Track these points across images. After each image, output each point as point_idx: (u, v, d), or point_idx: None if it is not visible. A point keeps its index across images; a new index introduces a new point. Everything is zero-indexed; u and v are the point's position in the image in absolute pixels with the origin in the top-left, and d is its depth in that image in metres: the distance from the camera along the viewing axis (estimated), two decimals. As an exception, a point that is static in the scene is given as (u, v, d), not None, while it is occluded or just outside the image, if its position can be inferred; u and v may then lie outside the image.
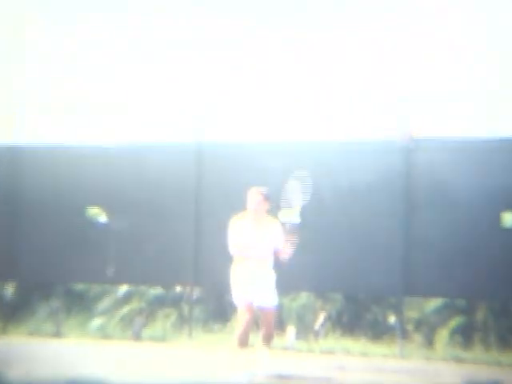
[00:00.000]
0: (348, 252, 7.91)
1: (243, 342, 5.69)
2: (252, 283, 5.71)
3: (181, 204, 8.35)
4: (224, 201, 7.93)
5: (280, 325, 8.12)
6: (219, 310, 8.91)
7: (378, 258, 7.81)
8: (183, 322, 8.84)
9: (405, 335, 8.08)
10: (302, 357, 7.73)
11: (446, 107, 8.70)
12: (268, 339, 5.96)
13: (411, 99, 8.15)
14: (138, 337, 8.59)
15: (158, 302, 9.18)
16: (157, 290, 9.34)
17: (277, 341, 7.21)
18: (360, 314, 8.74)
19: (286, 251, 5.82)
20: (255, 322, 6.05)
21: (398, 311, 8.23)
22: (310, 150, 8.07)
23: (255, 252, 5.72)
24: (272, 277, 5.90)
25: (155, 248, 8.40)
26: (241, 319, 5.69)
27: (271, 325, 5.92)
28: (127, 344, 8.37)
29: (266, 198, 5.82)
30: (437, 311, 8.50)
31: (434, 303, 8.55)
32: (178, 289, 9.24)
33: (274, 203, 5.95)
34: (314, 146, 8.14)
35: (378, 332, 8.49)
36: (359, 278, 7.90)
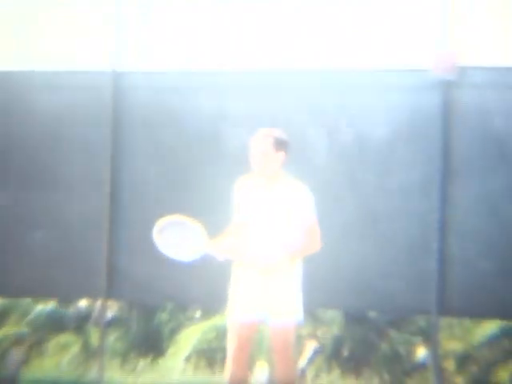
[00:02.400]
0: (352, 245, 7.63)
1: (238, 380, 5.49)
2: (259, 286, 5.45)
3: (90, 164, 8.05)
4: (153, 156, 7.82)
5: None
6: (149, 337, 9.20)
7: (399, 254, 7.56)
8: (90, 356, 8.85)
9: (442, 378, 7.97)
10: None
11: (502, 25, 8.53)
12: (288, 382, 5.57)
13: (453, 14, 8.01)
14: (13, 381, 8.27)
15: (50, 325, 9.19)
16: (47, 306, 9.33)
17: None
18: (370, 344, 8.84)
19: (317, 235, 5.51)
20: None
21: (430, 340, 8.13)
22: (290, 82, 7.88)
23: (263, 232, 5.51)
24: (294, 274, 5.53)
25: (46, 237, 8.06)
26: (234, 344, 5.47)
27: (288, 354, 5.51)
28: None
29: (279, 144, 5.52)
30: (492, 340, 8.71)
31: (489, 328, 8.77)
32: (83, 303, 9.35)
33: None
34: (302, 77, 7.91)
35: (400, 372, 8.70)
36: (369, 288, 7.60)
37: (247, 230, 5.58)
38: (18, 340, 9.01)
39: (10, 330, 9.13)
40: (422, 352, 8.77)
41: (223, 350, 8.88)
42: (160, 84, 8.14)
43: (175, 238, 5.58)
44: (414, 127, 7.68)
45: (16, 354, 8.71)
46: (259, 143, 5.55)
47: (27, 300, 9.20)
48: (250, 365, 5.67)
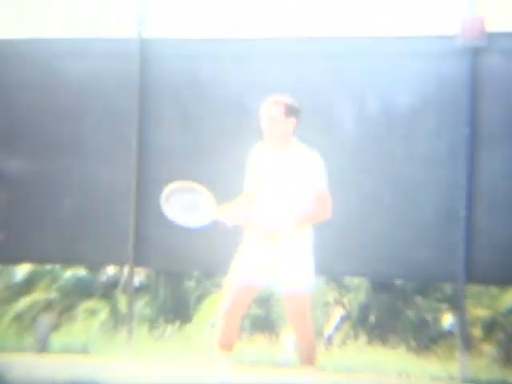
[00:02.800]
0: (380, 213, 7.64)
1: (227, 340, 5.52)
2: (266, 253, 5.43)
3: (117, 132, 8.03)
4: (180, 123, 7.84)
5: (270, 328, 8.67)
6: (176, 303, 9.22)
7: (426, 222, 7.57)
8: (118, 322, 8.89)
9: (469, 345, 7.90)
10: (305, 377, 6.86)
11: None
12: (305, 350, 5.56)
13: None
14: (43, 346, 8.20)
15: (79, 291, 9.22)
16: (76, 272, 9.40)
17: (266, 353, 7.67)
18: (397, 311, 8.84)
19: (326, 203, 5.44)
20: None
21: (457, 307, 8.12)
22: (318, 50, 7.85)
23: (273, 200, 5.52)
24: (303, 241, 5.53)
25: (74, 204, 8.07)
26: (228, 306, 5.49)
27: (304, 323, 5.50)
28: (25, 359, 7.69)
29: (290, 111, 5.46)
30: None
31: (517, 295, 8.96)
32: (111, 270, 9.49)
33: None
34: (327, 45, 7.86)
35: (426, 339, 8.69)
36: (396, 255, 7.63)
37: (256, 197, 5.57)
38: (47, 306, 9.02)
39: (39, 296, 9.13)
40: (448, 319, 8.75)
41: (249, 316, 8.94)
42: (187, 51, 8.11)
43: (183, 204, 5.56)
44: (441, 95, 7.64)
45: (46, 320, 8.51)
46: (269, 109, 5.50)
47: (56, 267, 9.24)
48: (239, 329, 5.70)
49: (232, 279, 5.54)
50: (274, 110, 5.47)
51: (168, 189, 5.45)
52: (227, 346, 5.54)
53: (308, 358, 5.56)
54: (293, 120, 5.44)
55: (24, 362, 7.72)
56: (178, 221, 5.47)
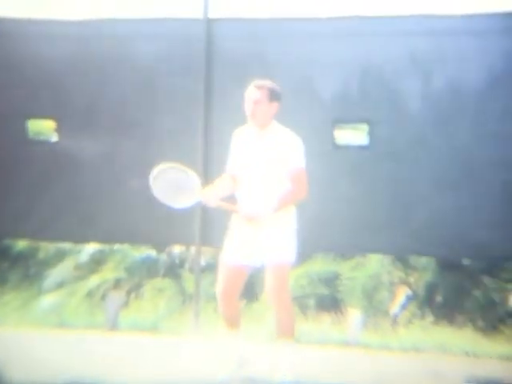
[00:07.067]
0: (448, 193, 7.63)
1: (232, 319, 5.74)
2: (250, 233, 5.63)
3: (182, 113, 8.12)
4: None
5: (336, 307, 8.56)
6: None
7: (494, 202, 7.56)
8: (186, 300, 9.04)
9: None
10: (371, 356, 7.52)
11: None
12: (284, 323, 5.65)
13: None
14: (113, 324, 8.38)
15: (146, 271, 9.31)
16: (144, 252, 9.59)
17: (332, 331, 7.62)
18: (464, 291, 8.84)
19: (301, 186, 5.62)
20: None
21: None
22: (385, 28, 7.86)
23: (254, 181, 5.70)
24: (285, 219, 5.68)
25: (142, 185, 7.48)
26: (222, 285, 5.72)
27: (284, 293, 5.61)
28: (96, 336, 8.04)
29: (273, 95, 5.69)
30: None
31: None
32: (178, 249, 9.58)
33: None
34: (394, 23, 7.86)
35: (493, 319, 8.64)
36: (463, 234, 7.62)
37: (239, 178, 5.75)
38: (116, 284, 9.11)
39: (108, 274, 9.22)
40: (517, 299, 8.69)
41: (316, 296, 8.99)
42: (253, 31, 8.13)
43: (170, 184, 5.76)
44: (510, 73, 7.59)
45: (115, 298, 8.60)
46: (254, 93, 5.69)
47: (124, 246, 9.32)
48: (239, 303, 5.88)
49: (222, 261, 5.75)
50: (259, 94, 5.66)
51: (156, 169, 5.68)
52: (233, 324, 5.75)
53: (287, 331, 5.65)
54: (275, 104, 5.64)
55: (94, 338, 7.90)
56: (165, 201, 5.69)
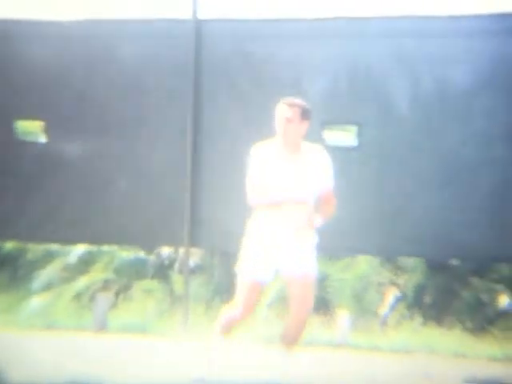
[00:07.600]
0: (435, 193, 7.61)
1: (229, 328, 5.64)
2: (277, 246, 5.53)
3: (171, 112, 8.08)
4: (235, 104, 7.81)
5: (324, 308, 8.63)
6: (231, 284, 8.90)
7: (481, 203, 7.53)
8: (174, 301, 8.97)
9: None
10: (360, 357, 7.61)
11: None
12: (295, 333, 5.59)
13: None
14: (101, 325, 8.39)
15: (135, 272, 9.27)
16: (132, 253, 9.54)
17: (321, 332, 7.66)
18: (452, 292, 8.77)
19: (332, 203, 5.66)
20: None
21: None
22: (372, 29, 7.81)
23: (285, 199, 5.55)
24: (311, 238, 5.62)
25: (130, 186, 8.15)
26: (242, 299, 5.56)
27: (307, 306, 5.57)
28: (84, 337, 8.08)
29: (304, 113, 5.57)
30: None
31: None
32: (167, 251, 9.55)
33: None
34: (381, 25, 7.81)
35: (482, 320, 8.61)
36: (451, 234, 7.57)
37: (276, 199, 5.61)
38: (104, 286, 9.10)
39: (96, 276, 9.22)
40: (505, 300, 8.66)
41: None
42: (241, 32, 8.10)
43: None
44: (496, 74, 7.56)
45: (103, 299, 8.66)
46: (286, 111, 5.60)
47: (113, 247, 9.30)
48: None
49: (240, 277, 5.63)
50: (291, 112, 5.56)
51: None
52: (229, 332, 5.65)
53: (294, 341, 5.62)
54: (306, 122, 5.55)
55: (83, 340, 7.91)
56: None
